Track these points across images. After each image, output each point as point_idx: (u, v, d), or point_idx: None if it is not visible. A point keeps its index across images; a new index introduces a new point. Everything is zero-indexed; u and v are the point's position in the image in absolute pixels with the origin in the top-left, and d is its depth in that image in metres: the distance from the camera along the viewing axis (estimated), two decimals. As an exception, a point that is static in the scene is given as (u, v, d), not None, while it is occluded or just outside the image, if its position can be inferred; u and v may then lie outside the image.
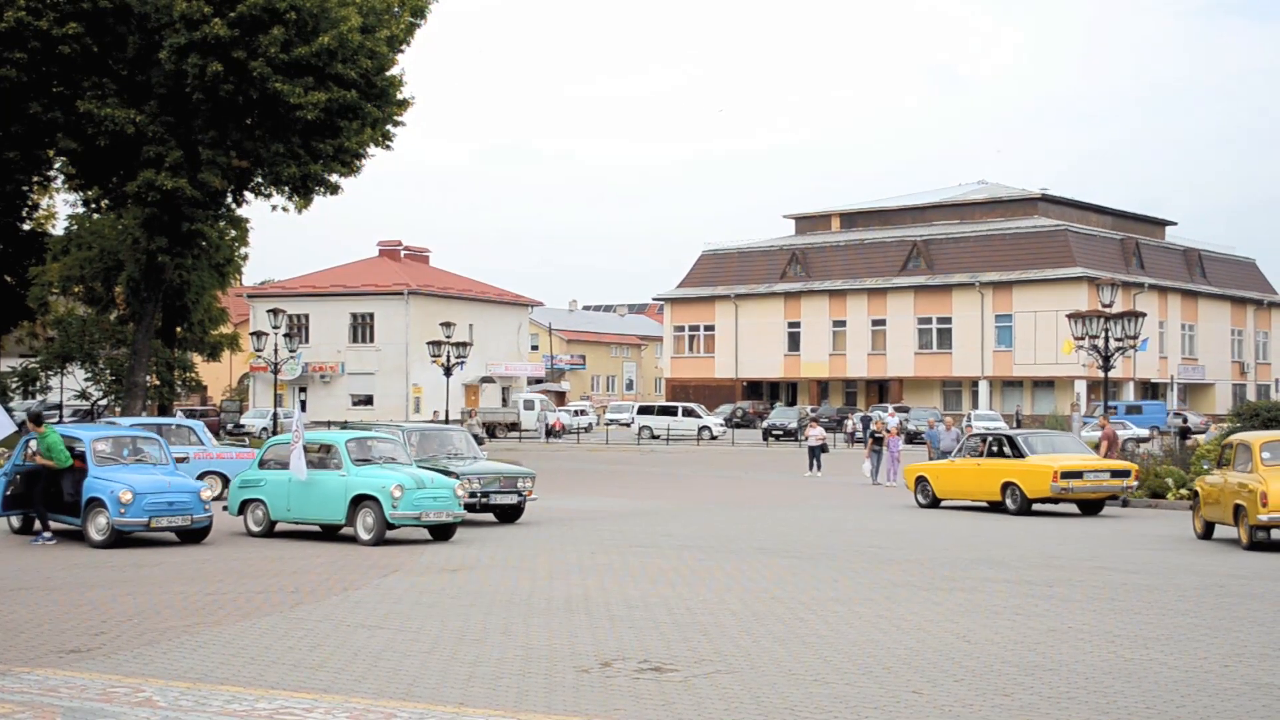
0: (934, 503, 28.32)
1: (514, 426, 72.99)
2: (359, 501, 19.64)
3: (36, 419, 20.18)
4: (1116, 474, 26.78)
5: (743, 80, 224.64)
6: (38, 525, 19.43)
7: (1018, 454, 26.76)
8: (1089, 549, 19.95)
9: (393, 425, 26.59)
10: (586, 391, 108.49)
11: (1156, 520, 25.54)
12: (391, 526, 19.48)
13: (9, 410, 20.87)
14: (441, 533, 20.26)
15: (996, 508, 27.13)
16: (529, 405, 75.99)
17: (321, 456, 20.67)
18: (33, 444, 19.46)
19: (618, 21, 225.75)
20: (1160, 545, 20.79)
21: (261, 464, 21.55)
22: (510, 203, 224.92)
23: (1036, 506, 26.68)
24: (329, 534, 20.92)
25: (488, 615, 12.93)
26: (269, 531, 20.90)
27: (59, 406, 61.33)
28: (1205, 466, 24.40)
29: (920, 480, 28.85)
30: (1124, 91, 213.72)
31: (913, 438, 55.09)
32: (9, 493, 19.69)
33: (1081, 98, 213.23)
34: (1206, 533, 21.40)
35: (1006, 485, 26.69)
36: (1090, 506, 26.68)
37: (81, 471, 19.19)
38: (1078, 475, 25.96)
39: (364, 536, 19.55)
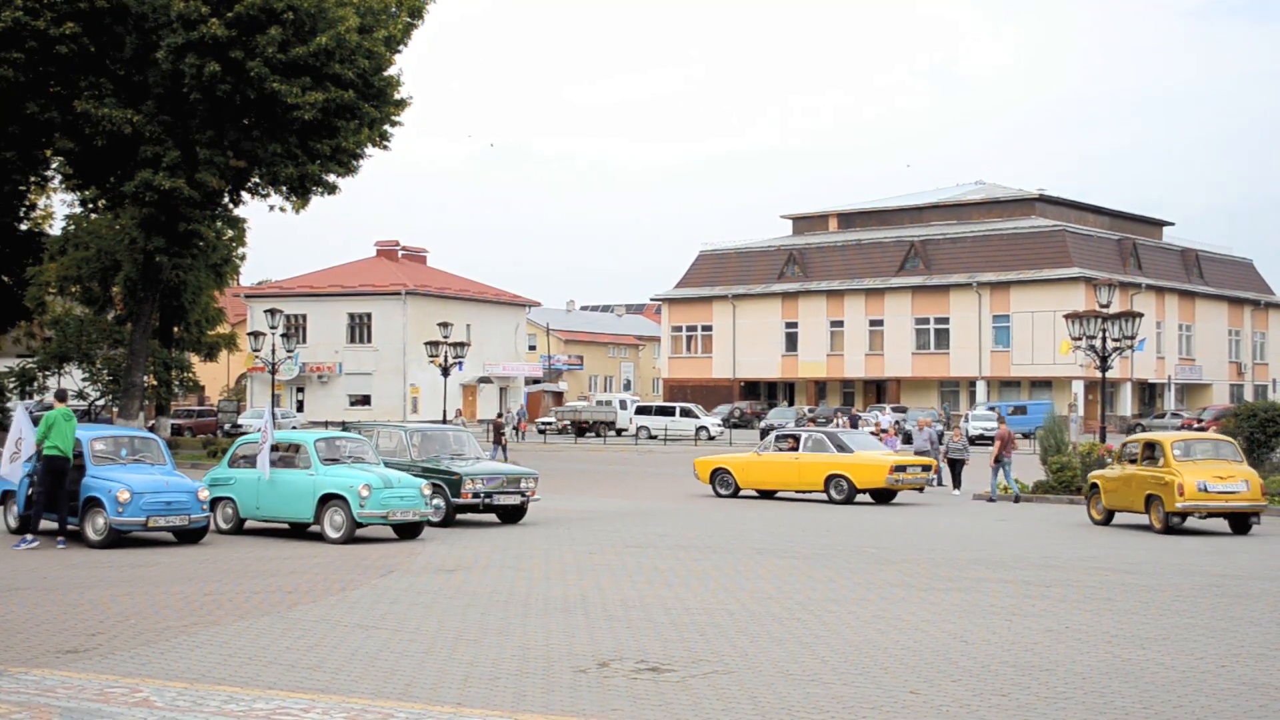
0: (735, 492, 30.90)
1: (610, 425, 71.93)
2: (327, 500, 19.89)
3: (61, 396, 20.29)
4: (924, 468, 30.60)
5: (741, 81, 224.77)
6: (44, 526, 19.31)
7: (843, 450, 29.71)
8: (1081, 549, 19.98)
9: (392, 425, 26.54)
10: (584, 392, 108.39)
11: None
12: (359, 525, 19.71)
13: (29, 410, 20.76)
14: (408, 531, 20.50)
15: (766, 495, 30.73)
16: (624, 405, 75.45)
17: (290, 456, 20.91)
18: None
19: (616, 22, 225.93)
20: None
21: (231, 462, 21.73)
22: (508, 203, 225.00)
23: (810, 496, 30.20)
24: (298, 532, 21.12)
25: (485, 615, 12.92)
26: (238, 529, 21.16)
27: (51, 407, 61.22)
28: (1108, 462, 26.62)
29: (719, 472, 31.37)
30: (1122, 92, 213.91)
31: (909, 438, 54.96)
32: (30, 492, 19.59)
33: (1079, 99, 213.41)
34: (1106, 519, 24.32)
35: (832, 477, 29.38)
36: (887, 496, 29.76)
37: (79, 470, 19.15)
38: (903, 469, 29.50)
39: (332, 535, 19.78)
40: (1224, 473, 22.50)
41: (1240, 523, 22.93)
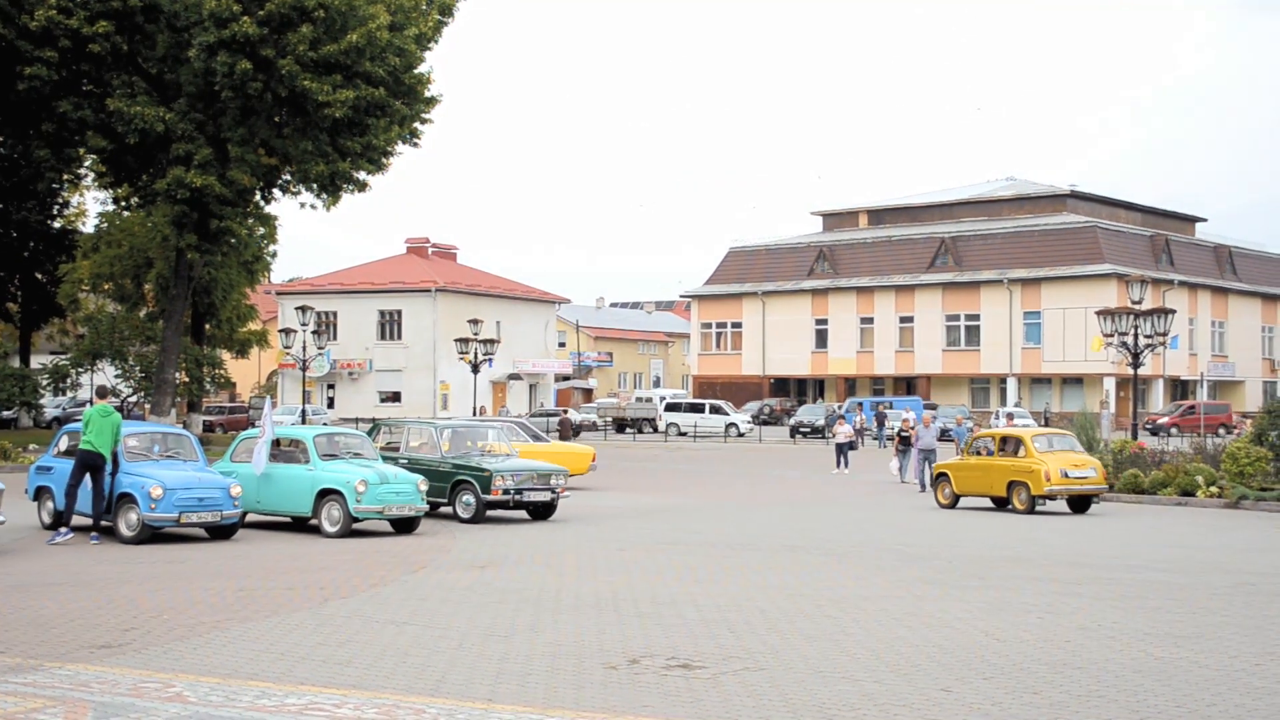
0: None
1: (651, 422, 72.43)
2: (324, 495, 20.20)
3: (101, 393, 20.51)
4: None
5: (770, 76, 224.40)
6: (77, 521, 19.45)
7: (538, 440, 32.34)
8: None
9: (422, 422, 26.63)
10: (614, 389, 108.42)
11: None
12: (356, 520, 20.01)
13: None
14: (404, 526, 20.79)
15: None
16: (663, 401, 76.17)
17: (290, 451, 21.22)
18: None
19: (645, 19, 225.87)
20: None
21: (233, 457, 22.02)
22: (538, 199, 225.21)
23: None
24: (299, 526, 21.31)
25: (516, 612, 12.93)
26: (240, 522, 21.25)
27: (89, 403, 61.72)
28: (960, 453, 29.77)
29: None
30: (1154, 87, 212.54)
31: (942, 434, 54.89)
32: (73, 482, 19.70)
33: (1111, 93, 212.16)
34: (953, 504, 27.38)
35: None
36: None
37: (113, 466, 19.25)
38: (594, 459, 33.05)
39: (329, 529, 20.09)
40: (1078, 461, 26.31)
41: (1083, 503, 26.38)
